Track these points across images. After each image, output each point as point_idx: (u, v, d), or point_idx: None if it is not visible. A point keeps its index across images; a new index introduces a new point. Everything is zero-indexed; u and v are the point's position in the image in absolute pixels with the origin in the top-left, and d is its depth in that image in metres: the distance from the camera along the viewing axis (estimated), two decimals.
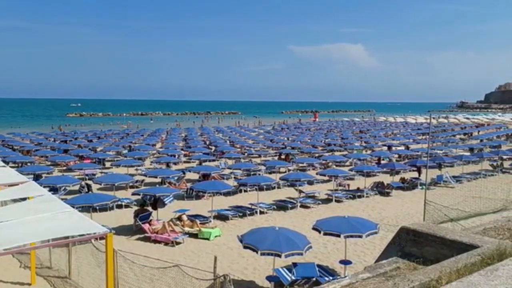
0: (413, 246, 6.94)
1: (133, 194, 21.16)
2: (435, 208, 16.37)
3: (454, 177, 28.79)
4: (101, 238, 9.57)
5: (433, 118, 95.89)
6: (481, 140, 53.42)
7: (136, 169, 31.75)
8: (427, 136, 40.35)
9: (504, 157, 36.92)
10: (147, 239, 16.77)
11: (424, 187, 20.94)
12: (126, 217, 19.38)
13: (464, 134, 66.09)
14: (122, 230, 17.76)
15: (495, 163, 34.44)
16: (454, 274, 4.59)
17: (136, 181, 26.31)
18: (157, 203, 19.20)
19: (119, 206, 21.41)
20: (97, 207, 18.92)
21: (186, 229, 17.41)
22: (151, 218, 17.92)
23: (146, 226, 17.24)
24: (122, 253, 10.99)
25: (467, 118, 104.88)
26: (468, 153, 38.65)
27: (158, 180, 27.02)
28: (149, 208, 19.12)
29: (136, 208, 19.98)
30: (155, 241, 16.55)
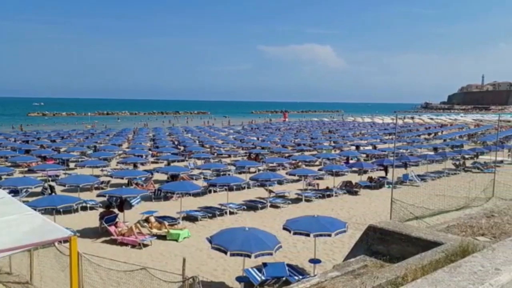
0: (380, 244, 7.02)
1: (99, 195, 20.66)
2: (401, 206, 16.75)
3: (419, 176, 29.58)
4: (65, 241, 9.23)
5: (399, 118, 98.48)
6: (444, 140, 55.18)
7: (102, 170, 30.99)
8: (394, 136, 41.32)
9: (466, 156, 38.25)
10: (113, 242, 16.37)
11: (390, 186, 21.42)
12: (91, 219, 18.85)
13: (429, 134, 68.14)
14: (87, 233, 17.24)
15: (457, 162, 35.64)
16: (419, 271, 4.65)
17: (102, 182, 25.71)
18: (123, 204, 18.78)
19: (84, 208, 20.81)
20: (61, 210, 18.30)
21: (154, 231, 17.09)
22: (117, 220, 17.52)
23: (112, 229, 16.82)
24: (88, 256, 10.66)
25: (431, 119, 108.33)
26: (432, 153, 39.82)
27: (125, 181, 26.45)
28: (115, 210, 18.70)
29: (101, 210, 19.45)
30: (122, 244, 16.16)
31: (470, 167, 34.54)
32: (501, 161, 34.99)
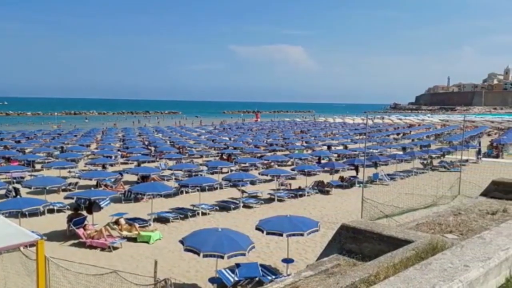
0: (353, 243, 7.09)
1: (66, 197, 20.07)
2: (371, 205, 17.04)
3: (388, 175, 30.21)
4: (31, 246, 8.91)
5: (369, 119, 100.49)
6: (413, 140, 56.58)
7: (69, 171, 30.14)
8: (364, 136, 42.09)
9: (433, 155, 39.34)
10: (82, 245, 15.95)
11: (361, 185, 21.77)
12: (59, 222, 18.30)
13: (397, 134, 69.74)
14: (54, 236, 16.74)
15: (425, 162, 36.61)
16: (391, 269, 4.70)
17: (69, 184, 25.04)
18: (92, 206, 18.32)
19: (51, 211, 20.20)
20: (26, 213, 17.69)
21: (124, 233, 16.75)
22: (86, 222, 17.08)
23: (80, 231, 16.39)
24: (55, 260, 10.35)
25: (400, 119, 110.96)
26: (401, 152, 40.71)
27: (93, 182, 25.84)
28: (84, 212, 18.22)
29: (69, 212, 18.92)
30: (91, 247, 15.77)
31: (437, 166, 35.54)
32: (466, 160, 36.14)
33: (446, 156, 40.61)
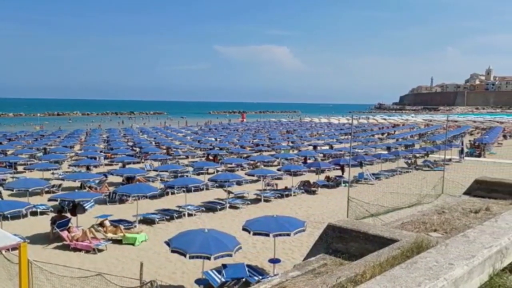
0: (339, 242, 7.12)
1: (50, 200, 19.73)
2: (357, 204, 17.15)
3: (373, 174, 30.50)
4: (14, 249, 8.75)
5: (354, 119, 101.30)
6: (397, 140, 57.22)
7: (53, 173, 29.66)
8: (349, 136, 42.38)
9: (417, 155, 39.85)
10: (66, 248, 15.71)
11: (347, 184, 21.92)
12: (42, 225, 17.99)
13: (382, 134, 70.48)
14: (38, 239, 16.47)
15: (409, 161, 37.05)
16: (377, 268, 4.73)
17: (53, 186, 24.66)
18: (76, 208, 18.08)
19: (34, 213, 19.87)
20: (9, 215, 17.33)
21: (109, 235, 16.56)
22: (70, 225, 16.85)
23: (64, 234, 16.14)
24: (39, 263, 10.19)
25: (384, 119, 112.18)
26: (385, 152, 41.17)
27: (78, 184, 25.48)
28: (68, 215, 17.96)
29: (53, 214, 18.64)
30: (75, 249, 15.55)
31: (421, 165, 36.01)
32: (450, 159, 36.72)
33: (430, 155, 41.18)
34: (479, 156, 42.32)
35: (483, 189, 10.23)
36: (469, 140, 51.90)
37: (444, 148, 32.28)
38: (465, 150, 42.95)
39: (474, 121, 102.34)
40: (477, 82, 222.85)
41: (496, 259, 4.02)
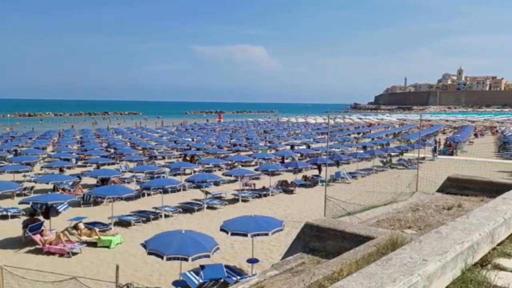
0: (317, 241, 7.17)
1: (21, 203, 19.23)
2: (334, 203, 17.34)
3: (350, 173, 30.86)
4: None
5: (331, 118, 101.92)
6: (372, 139, 58.07)
7: (24, 176, 28.87)
8: (326, 136, 42.74)
9: (392, 154, 40.56)
10: (38, 251, 15.33)
11: (324, 183, 22.13)
12: (13, 228, 17.49)
13: (358, 133, 71.43)
14: (8, 243, 16.03)
15: (384, 160, 37.67)
16: (354, 265, 4.77)
17: (24, 189, 24.02)
18: (49, 211, 17.64)
19: (4, 217, 19.32)
20: None
21: (84, 238, 16.24)
22: (43, 228, 16.42)
23: (37, 237, 15.74)
24: (9, 268, 9.92)
25: (360, 119, 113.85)
26: (361, 151, 41.70)
27: (50, 186, 24.87)
28: (40, 218, 17.51)
29: (25, 218, 18.11)
30: (49, 253, 15.18)
31: (396, 164, 36.68)
32: (423, 158, 37.50)
33: (404, 154, 41.99)
34: (451, 154, 43.41)
35: (455, 186, 10.47)
36: (445, 139, 53.14)
37: (418, 147, 32.96)
38: (438, 148, 43.99)
39: (447, 120, 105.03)
40: (449, 82, 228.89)
41: (468, 254, 4.11)
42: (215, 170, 32.69)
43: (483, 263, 4.41)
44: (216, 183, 26.69)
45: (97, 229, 16.78)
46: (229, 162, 34.25)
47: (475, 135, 67.53)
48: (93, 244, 16.00)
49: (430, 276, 3.49)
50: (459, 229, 4.55)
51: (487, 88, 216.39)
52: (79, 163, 35.34)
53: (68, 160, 33.30)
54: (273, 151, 42.40)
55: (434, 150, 42.19)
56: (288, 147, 47.46)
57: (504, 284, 3.90)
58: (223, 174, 27.77)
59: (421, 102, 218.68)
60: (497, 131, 74.29)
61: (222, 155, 39.24)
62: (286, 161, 36.42)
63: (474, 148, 48.87)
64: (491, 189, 9.18)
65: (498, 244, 4.94)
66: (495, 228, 4.80)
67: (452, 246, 3.99)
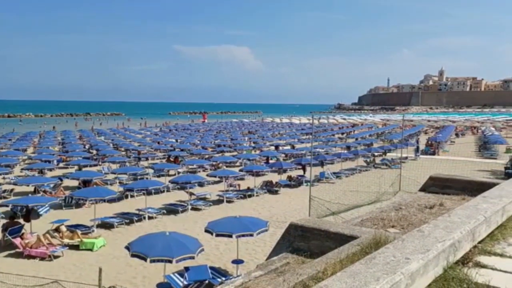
0: (301, 241, 7.18)
1: (1, 205, 18.80)
2: (319, 203, 17.42)
3: (334, 173, 31.06)
4: None
5: (315, 119, 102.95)
6: (356, 139, 58.62)
7: (4, 178, 28.30)
8: (310, 136, 42.98)
9: (376, 153, 41.00)
10: (19, 255, 15.04)
11: (308, 184, 22.22)
12: None
13: (342, 133, 72.01)
14: None
15: (368, 160, 38.03)
16: (338, 264, 4.79)
17: (4, 191, 23.57)
18: (30, 214, 17.33)
19: None
20: None
21: (66, 240, 15.98)
22: (23, 231, 16.12)
23: (17, 241, 15.42)
24: None
25: (344, 119, 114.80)
26: (345, 151, 42.03)
27: (31, 188, 24.42)
28: (21, 221, 17.19)
29: (4, 221, 17.72)
30: (29, 257, 14.89)
31: (379, 163, 37.07)
32: (406, 158, 37.96)
33: (388, 154, 42.45)
34: (433, 154, 44.07)
35: (437, 185, 10.61)
36: (427, 139, 53.92)
37: (401, 147, 33.40)
38: (420, 148, 44.63)
39: (429, 120, 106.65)
40: (431, 82, 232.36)
41: (449, 252, 4.16)
42: (199, 171, 32.55)
43: (464, 261, 4.47)
44: (201, 184, 26.59)
45: (79, 232, 16.53)
46: (214, 163, 34.14)
47: (456, 135, 68.72)
48: (75, 247, 15.77)
49: (412, 274, 3.51)
50: (440, 227, 4.61)
51: (468, 89, 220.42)
52: (61, 164, 34.80)
53: (49, 161, 32.71)
54: (257, 152, 42.38)
55: (417, 150, 42.78)
56: (273, 147, 47.55)
57: (485, 281, 3.96)
58: (207, 175, 27.67)
59: (403, 102, 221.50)
60: (477, 130, 75.75)
61: (207, 156, 39.05)
62: (270, 161, 36.48)
63: (456, 147, 49.70)
64: (472, 188, 9.33)
65: (479, 242, 5.02)
66: (476, 226, 4.87)
67: (434, 244, 4.03)
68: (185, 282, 11.54)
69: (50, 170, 31.40)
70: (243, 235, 12.56)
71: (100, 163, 35.20)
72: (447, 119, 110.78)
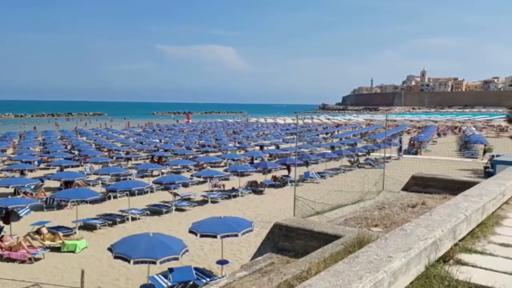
0: (286, 240, 7.18)
1: None
2: (303, 203, 17.48)
3: (318, 173, 31.23)
4: None
5: (300, 119, 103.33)
6: (340, 139, 59.02)
7: None
8: (295, 136, 43.14)
9: (359, 153, 41.37)
10: None
11: (293, 183, 22.28)
12: None
13: (326, 133, 72.45)
14: None
15: (352, 159, 38.35)
16: (322, 264, 4.79)
17: None
18: (10, 216, 16.97)
19: None
20: None
21: (47, 242, 15.70)
22: (3, 233, 15.80)
23: None
24: None
25: (328, 119, 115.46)
26: (329, 151, 42.32)
27: (11, 190, 23.92)
28: (0, 223, 16.81)
29: None
30: (9, 259, 14.58)
31: (363, 163, 37.40)
32: (389, 157, 38.41)
33: (371, 153, 42.89)
34: (416, 153, 44.69)
35: (419, 184, 10.75)
36: (409, 139, 54.61)
37: (384, 147, 33.75)
38: (403, 147, 45.22)
39: (411, 121, 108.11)
40: (413, 83, 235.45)
41: (431, 250, 4.21)
42: (183, 172, 32.36)
43: (445, 258, 4.53)
44: (185, 185, 26.44)
45: (61, 234, 16.26)
46: (198, 163, 33.98)
47: (438, 134, 69.81)
48: (57, 249, 15.51)
49: (395, 272, 3.54)
50: (422, 226, 4.66)
51: (449, 89, 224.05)
52: (42, 165, 34.24)
53: (29, 162, 32.15)
54: (242, 152, 42.35)
55: (400, 150, 43.31)
56: (258, 147, 47.55)
57: (466, 278, 4.01)
58: (191, 176, 27.52)
59: (386, 102, 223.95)
60: (459, 130, 77.08)
61: (191, 156, 38.82)
62: (255, 161, 36.48)
63: (437, 147, 50.48)
64: (453, 187, 9.47)
65: (460, 240, 5.09)
66: (457, 225, 4.94)
67: (416, 242, 4.07)
68: (169, 283, 11.46)
69: (31, 171, 30.90)
70: (227, 236, 12.52)
71: (82, 163, 34.72)
72: (429, 119, 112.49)
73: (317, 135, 66.48)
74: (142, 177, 29.34)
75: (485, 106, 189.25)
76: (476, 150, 45.16)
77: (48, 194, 23.30)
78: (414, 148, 46.87)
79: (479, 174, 28.30)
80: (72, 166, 32.70)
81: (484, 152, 42.42)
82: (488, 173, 25.93)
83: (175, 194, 23.27)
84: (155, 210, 21.09)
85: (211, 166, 34.03)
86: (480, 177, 17.95)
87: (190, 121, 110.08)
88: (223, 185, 26.88)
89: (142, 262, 10.59)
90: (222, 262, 13.22)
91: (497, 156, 28.19)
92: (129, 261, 10.47)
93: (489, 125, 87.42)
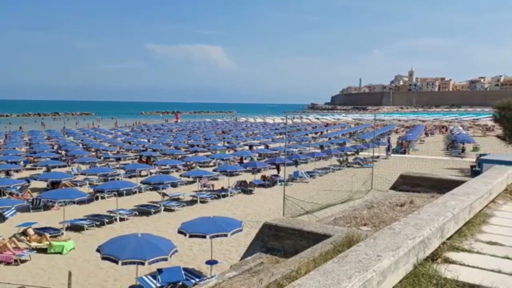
0: (275, 240, 7.17)
1: None
2: (293, 202, 17.52)
3: (308, 172, 31.31)
4: None
5: (289, 118, 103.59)
6: (329, 138, 59.27)
7: None
8: (284, 136, 43.20)
9: (348, 153, 41.57)
10: None
11: (283, 183, 22.32)
12: None
13: (315, 133, 72.69)
14: None
15: (341, 159, 38.52)
16: (311, 263, 4.80)
17: None
18: None
19: None
20: None
21: (33, 244, 15.49)
22: None
23: None
24: None
25: (317, 119, 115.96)
26: (319, 150, 42.45)
27: None
28: None
29: None
30: None
31: (352, 162, 37.59)
32: (378, 157, 38.67)
33: (360, 153, 43.13)
34: (404, 153, 45.05)
35: (407, 183, 10.83)
36: (398, 138, 55.06)
37: (373, 146, 33.95)
38: (392, 147, 45.57)
39: (399, 120, 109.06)
40: (401, 83, 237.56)
41: (419, 249, 4.23)
42: (172, 172, 32.20)
43: (433, 257, 4.55)
44: (174, 185, 26.30)
45: (47, 235, 16.05)
46: (187, 163, 33.83)
47: (426, 134, 70.49)
48: (43, 251, 15.31)
49: (384, 271, 3.55)
50: (411, 225, 4.68)
51: (436, 89, 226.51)
52: (28, 166, 33.80)
53: (15, 163, 31.70)
54: (231, 152, 42.26)
55: (388, 149, 43.63)
56: (247, 147, 47.52)
57: (453, 276, 4.04)
58: (180, 176, 27.39)
59: (375, 102, 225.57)
60: (446, 130, 77.94)
61: (180, 156, 38.65)
62: (244, 161, 36.44)
63: (425, 146, 50.95)
64: (441, 186, 9.56)
65: (448, 239, 5.13)
66: (445, 223, 4.98)
67: (405, 241, 4.08)
68: (158, 284, 11.38)
69: (17, 171, 30.50)
70: (217, 236, 12.48)
71: (69, 164, 34.34)
72: (417, 119, 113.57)
73: (306, 134, 66.67)
74: (130, 177, 29.11)
75: (472, 105, 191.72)
76: (461, 149, 45.71)
77: (35, 194, 23.01)
78: (402, 147, 47.25)
79: (466, 173, 28.64)
80: (59, 167, 32.32)
81: (463, 150, 43.23)
82: (475, 172, 26.25)
83: (164, 194, 23.14)
84: (144, 211, 20.94)
85: (200, 166, 33.91)
86: (467, 176, 18.16)
87: (179, 120, 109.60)
88: (212, 185, 26.80)
89: (130, 263, 10.49)
90: (212, 262, 13.17)
91: (484, 155, 28.54)
92: (117, 262, 10.37)
93: (476, 125, 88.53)
